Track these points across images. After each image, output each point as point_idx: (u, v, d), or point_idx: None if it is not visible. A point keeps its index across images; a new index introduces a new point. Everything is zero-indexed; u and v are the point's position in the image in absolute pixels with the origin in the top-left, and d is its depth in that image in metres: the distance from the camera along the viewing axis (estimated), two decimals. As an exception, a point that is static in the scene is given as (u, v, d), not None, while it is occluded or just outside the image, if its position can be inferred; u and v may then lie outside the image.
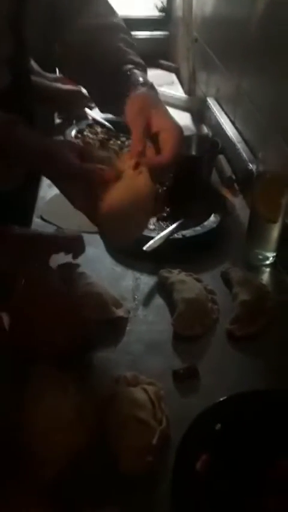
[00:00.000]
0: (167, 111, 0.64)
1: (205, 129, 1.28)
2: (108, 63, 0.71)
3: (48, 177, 0.62)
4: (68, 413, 0.52)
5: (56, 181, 0.61)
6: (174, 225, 0.83)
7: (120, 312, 0.68)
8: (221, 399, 0.54)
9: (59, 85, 1.16)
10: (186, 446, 0.50)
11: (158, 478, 0.51)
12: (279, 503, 0.47)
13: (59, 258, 0.68)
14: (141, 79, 0.68)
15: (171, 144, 0.60)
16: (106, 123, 1.16)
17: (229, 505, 0.47)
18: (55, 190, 0.72)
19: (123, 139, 1.12)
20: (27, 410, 0.53)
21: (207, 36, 1.36)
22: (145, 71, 0.72)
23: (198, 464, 0.49)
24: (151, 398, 0.55)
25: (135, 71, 0.69)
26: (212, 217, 0.86)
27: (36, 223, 0.89)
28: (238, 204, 0.95)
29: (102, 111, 0.81)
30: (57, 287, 0.64)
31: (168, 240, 0.79)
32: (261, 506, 0.47)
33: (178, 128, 0.62)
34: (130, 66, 0.70)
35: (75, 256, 0.67)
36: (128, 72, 0.69)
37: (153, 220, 0.89)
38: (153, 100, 0.65)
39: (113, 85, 0.69)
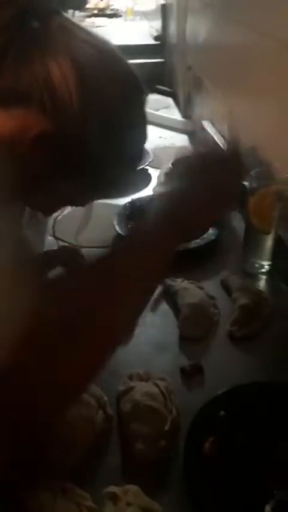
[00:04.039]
0: None
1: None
2: None
3: None
4: (89, 405, 0.59)
5: None
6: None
7: None
8: (224, 390, 0.61)
9: None
10: (195, 431, 0.56)
11: (170, 462, 0.57)
12: (278, 480, 0.54)
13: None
14: None
15: None
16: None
17: (234, 481, 0.53)
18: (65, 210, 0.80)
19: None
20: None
21: (200, 62, 1.45)
22: None
23: (205, 446, 0.55)
24: (162, 391, 0.62)
25: None
26: (211, 231, 0.94)
27: (48, 241, 0.96)
28: (234, 217, 1.03)
29: None
30: None
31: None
32: (262, 482, 0.53)
33: None
34: None
35: None
36: None
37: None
38: None
39: None
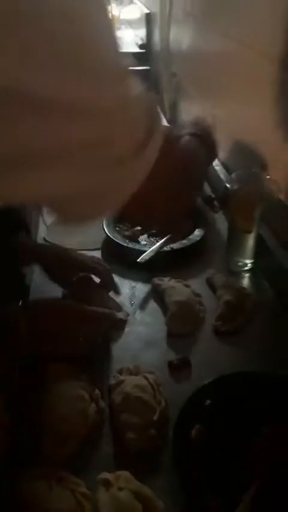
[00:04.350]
0: None
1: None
2: None
3: None
4: (82, 399, 0.62)
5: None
6: (163, 240, 0.95)
7: (120, 315, 0.78)
8: (209, 380, 0.65)
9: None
10: (182, 419, 0.60)
11: (160, 449, 0.60)
12: (262, 465, 0.57)
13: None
14: None
15: None
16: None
17: (220, 464, 0.57)
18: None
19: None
20: (49, 397, 0.62)
21: (184, 70, 1.50)
22: None
23: (192, 433, 0.59)
24: (151, 383, 0.65)
25: None
26: (196, 232, 0.98)
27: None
28: (218, 218, 1.07)
29: None
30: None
31: (159, 253, 0.90)
32: (245, 465, 0.56)
33: None
34: None
35: None
36: None
37: (144, 236, 1.00)
38: None
39: None
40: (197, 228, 0.99)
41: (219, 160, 1.16)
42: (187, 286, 0.85)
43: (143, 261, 0.87)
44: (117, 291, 0.85)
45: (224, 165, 1.14)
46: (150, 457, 0.59)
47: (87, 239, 0.98)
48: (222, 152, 1.15)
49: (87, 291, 0.80)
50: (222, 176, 1.10)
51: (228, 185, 1.04)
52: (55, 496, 0.53)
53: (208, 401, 0.62)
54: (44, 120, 0.31)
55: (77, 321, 0.70)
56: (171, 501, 0.54)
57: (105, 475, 0.55)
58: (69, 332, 0.68)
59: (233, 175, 0.88)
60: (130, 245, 0.95)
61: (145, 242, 0.99)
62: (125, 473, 0.56)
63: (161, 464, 0.59)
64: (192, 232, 0.98)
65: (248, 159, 0.94)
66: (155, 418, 0.61)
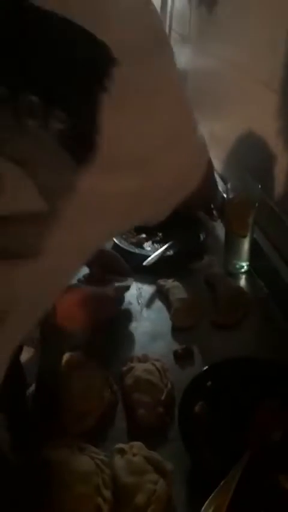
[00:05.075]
0: None
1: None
2: None
3: None
4: (98, 380, 0.71)
5: None
6: (166, 245, 1.04)
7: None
8: (210, 365, 0.73)
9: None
10: (187, 396, 0.68)
11: (167, 424, 0.69)
12: (256, 434, 0.65)
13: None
14: None
15: None
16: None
17: (220, 434, 0.65)
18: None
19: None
20: (68, 381, 0.71)
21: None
22: None
23: (196, 408, 0.67)
24: (158, 369, 0.74)
25: None
26: (197, 237, 1.07)
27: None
28: (217, 226, 1.16)
29: None
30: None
31: (162, 257, 1.00)
32: (242, 435, 0.65)
33: None
34: None
35: None
36: None
37: (149, 243, 1.09)
38: None
39: None
40: (198, 234, 1.08)
41: (216, 172, 1.26)
42: (189, 285, 0.94)
43: (148, 264, 0.96)
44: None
45: (221, 176, 1.23)
46: (158, 431, 0.68)
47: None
48: (220, 164, 1.26)
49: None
50: (220, 187, 1.19)
51: (225, 195, 1.14)
52: (77, 460, 0.62)
53: (209, 383, 0.71)
54: None
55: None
56: (177, 464, 0.62)
57: (120, 445, 0.64)
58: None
59: (228, 185, 0.97)
60: (136, 251, 1.04)
61: (149, 248, 1.08)
62: (137, 443, 0.64)
63: (168, 437, 0.67)
64: (193, 238, 1.07)
65: (241, 170, 1.03)
66: (162, 397, 0.70)
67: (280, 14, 0.83)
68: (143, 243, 1.09)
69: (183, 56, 1.53)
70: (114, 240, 1.06)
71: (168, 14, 1.64)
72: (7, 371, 0.44)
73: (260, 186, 0.93)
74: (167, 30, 1.67)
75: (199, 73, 1.40)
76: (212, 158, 0.71)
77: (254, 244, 0.98)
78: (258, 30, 0.93)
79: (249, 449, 0.62)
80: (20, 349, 0.78)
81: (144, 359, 0.77)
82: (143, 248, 1.07)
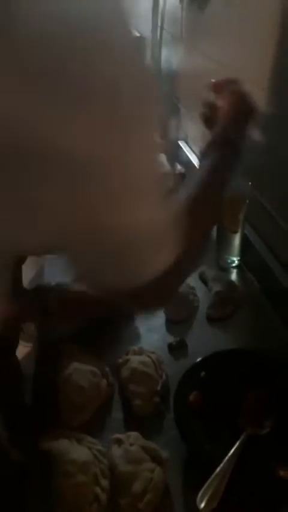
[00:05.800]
0: None
1: (178, 167, 1.52)
2: None
3: None
4: (95, 374, 0.73)
5: None
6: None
7: None
8: (203, 357, 0.75)
9: None
10: (182, 386, 0.70)
11: (163, 414, 0.71)
12: (247, 420, 0.68)
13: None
14: None
15: None
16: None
17: (213, 422, 0.67)
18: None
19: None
20: (66, 373, 0.73)
21: (174, 89, 1.62)
22: None
23: (191, 397, 0.69)
24: (153, 361, 0.76)
25: None
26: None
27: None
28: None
29: None
30: None
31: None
32: (234, 423, 0.67)
33: None
34: None
35: None
36: None
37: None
38: None
39: None
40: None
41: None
42: (182, 280, 0.96)
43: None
44: None
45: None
46: (154, 420, 0.70)
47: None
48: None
49: None
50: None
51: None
52: (75, 450, 0.63)
53: (203, 373, 0.73)
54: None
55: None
56: (173, 453, 0.64)
57: (117, 435, 0.66)
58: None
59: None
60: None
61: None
62: (134, 433, 0.66)
63: (163, 426, 0.69)
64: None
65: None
66: (158, 388, 0.72)
67: (270, 14, 0.85)
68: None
69: (175, 56, 1.55)
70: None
71: (159, 14, 1.65)
72: (3, 366, 0.45)
73: (250, 183, 0.95)
74: (158, 30, 1.69)
75: (189, 72, 1.42)
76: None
77: (244, 240, 1.00)
78: (249, 30, 0.95)
79: (243, 436, 0.64)
80: (16, 344, 0.80)
81: (139, 352, 0.79)
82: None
